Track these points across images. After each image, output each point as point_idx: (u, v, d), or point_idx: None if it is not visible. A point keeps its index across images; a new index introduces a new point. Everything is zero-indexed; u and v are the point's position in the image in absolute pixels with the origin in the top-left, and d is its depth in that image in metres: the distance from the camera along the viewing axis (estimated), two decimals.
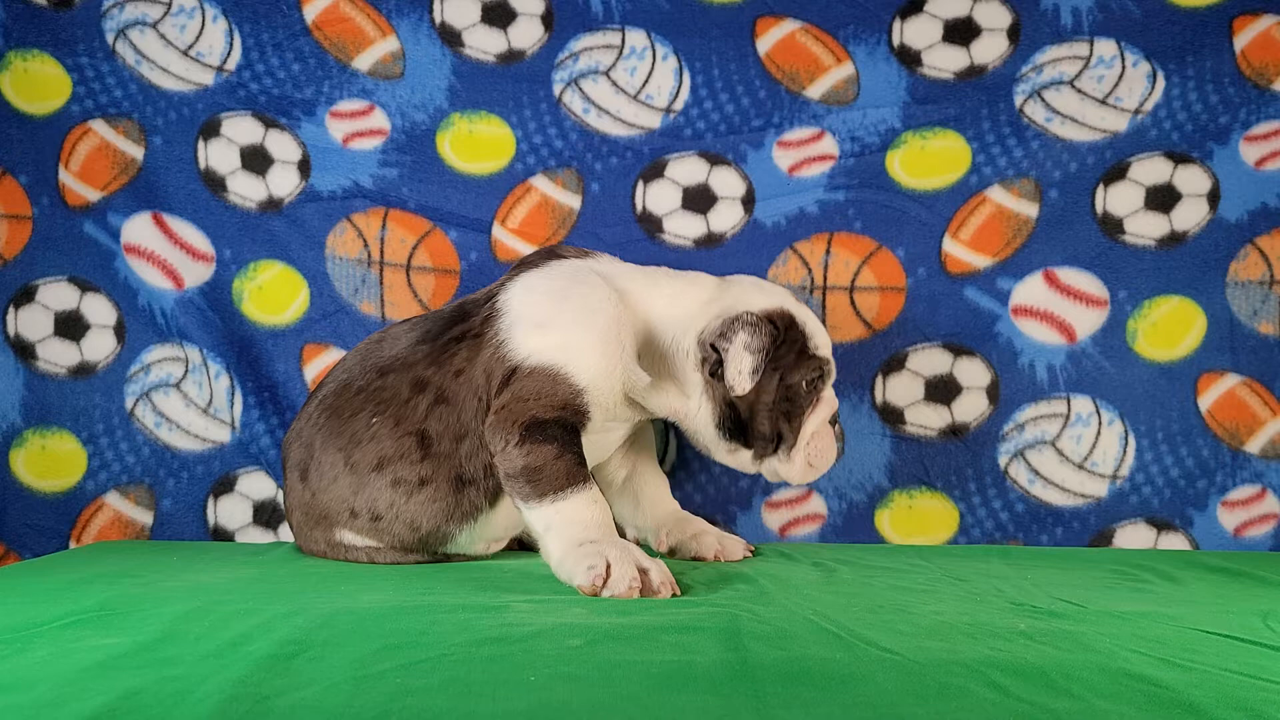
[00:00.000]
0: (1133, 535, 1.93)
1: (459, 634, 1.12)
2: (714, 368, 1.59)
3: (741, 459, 1.65)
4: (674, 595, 1.34)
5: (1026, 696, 0.94)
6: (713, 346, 1.58)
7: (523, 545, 1.74)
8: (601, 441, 1.65)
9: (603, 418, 1.58)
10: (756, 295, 1.62)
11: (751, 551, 1.74)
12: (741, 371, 1.54)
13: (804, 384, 1.61)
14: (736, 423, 1.61)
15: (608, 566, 1.35)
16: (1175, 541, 1.93)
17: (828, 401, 1.64)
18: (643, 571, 1.35)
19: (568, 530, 1.44)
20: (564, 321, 1.56)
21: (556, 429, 1.49)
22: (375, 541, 1.62)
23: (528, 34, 1.99)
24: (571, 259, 1.68)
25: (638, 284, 1.64)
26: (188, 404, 1.97)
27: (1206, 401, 1.94)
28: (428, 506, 1.57)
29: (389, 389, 1.61)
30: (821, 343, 1.64)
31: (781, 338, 1.58)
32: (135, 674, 0.96)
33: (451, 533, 1.59)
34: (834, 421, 1.67)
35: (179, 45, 1.98)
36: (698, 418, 1.63)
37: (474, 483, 1.56)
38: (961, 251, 1.96)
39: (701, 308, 1.61)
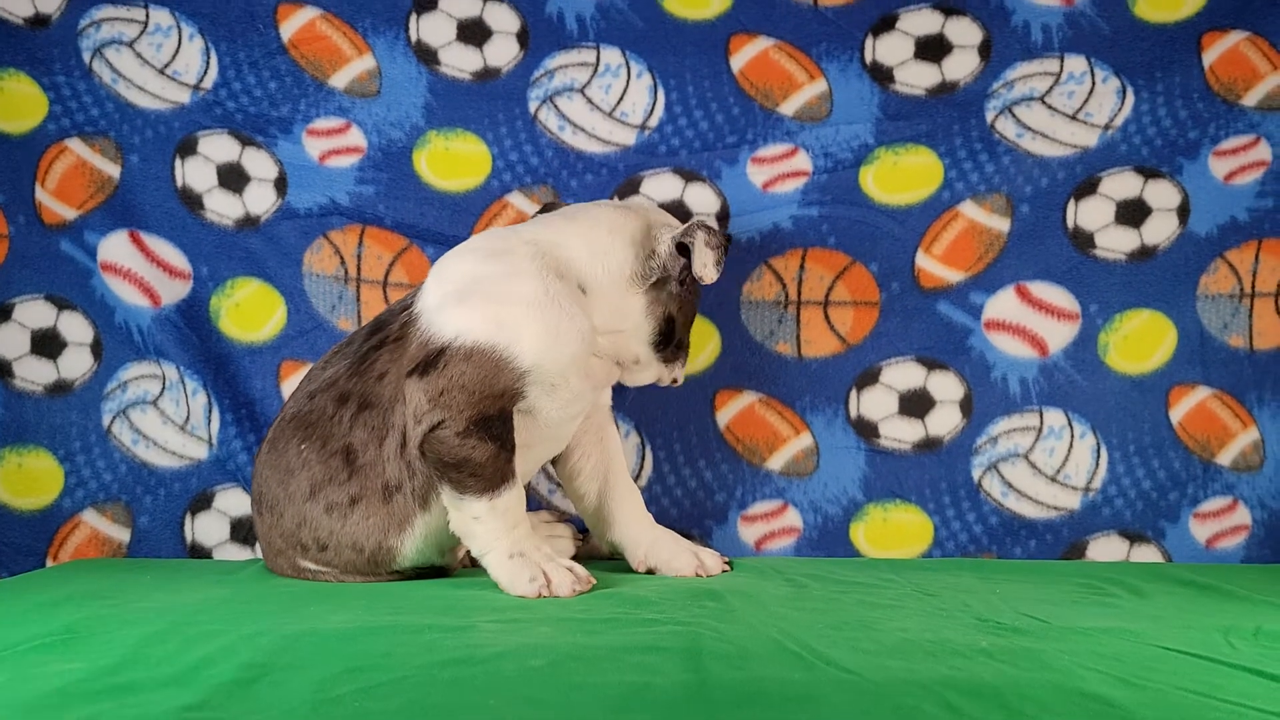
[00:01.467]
0: (1106, 547, 1.94)
1: (422, 655, 1.13)
2: (661, 275, 1.67)
3: (658, 370, 1.75)
4: (590, 585, 1.53)
5: (978, 717, 0.96)
6: (681, 247, 1.66)
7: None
8: (555, 435, 1.66)
9: (554, 402, 1.58)
10: (656, 212, 1.77)
11: (728, 565, 1.75)
12: (706, 264, 1.64)
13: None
14: (667, 336, 1.70)
15: (545, 575, 1.49)
16: (1148, 553, 1.94)
17: None
18: (569, 569, 1.53)
19: (499, 524, 1.53)
20: (490, 295, 1.55)
21: (499, 425, 1.52)
22: (331, 568, 1.63)
23: (503, 52, 2.00)
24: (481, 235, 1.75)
25: (551, 235, 1.65)
26: (165, 421, 1.98)
27: (1178, 414, 1.95)
28: (363, 524, 1.59)
29: (315, 411, 1.63)
30: (713, 266, 1.69)
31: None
32: (92, 701, 0.96)
33: (395, 546, 1.60)
34: None
35: (155, 64, 1.98)
36: (635, 340, 1.68)
37: (400, 488, 1.57)
38: (934, 266, 1.98)
39: (610, 237, 1.65)
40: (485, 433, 1.51)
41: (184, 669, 1.07)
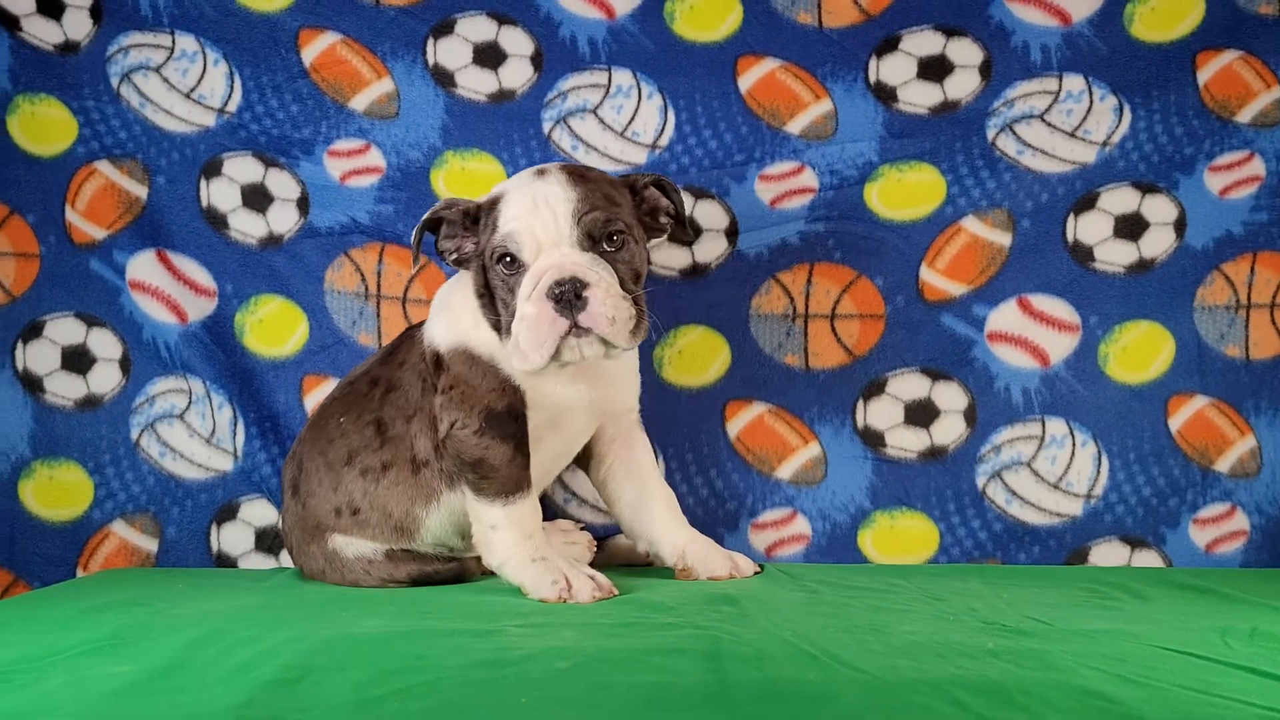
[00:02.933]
0: (1107, 553, 2.00)
1: (454, 658, 1.18)
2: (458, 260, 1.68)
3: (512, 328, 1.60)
4: (612, 595, 1.56)
5: (987, 713, 1.01)
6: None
7: None
8: (564, 420, 1.70)
9: (537, 391, 1.64)
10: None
11: (760, 569, 1.81)
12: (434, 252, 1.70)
13: (496, 267, 1.59)
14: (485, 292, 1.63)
15: (567, 580, 1.54)
16: (1149, 559, 1.99)
17: (531, 276, 1.54)
18: (590, 577, 1.56)
19: (515, 534, 1.60)
20: (452, 304, 1.70)
21: (511, 423, 1.62)
22: (361, 539, 1.71)
23: (518, 74, 2.06)
24: None
25: None
26: (191, 434, 2.04)
27: (1177, 422, 2.00)
28: (393, 490, 1.70)
29: (353, 392, 1.79)
30: (509, 216, 1.58)
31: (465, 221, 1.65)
32: (148, 701, 1.02)
33: (420, 517, 1.70)
34: (560, 295, 1.52)
35: (181, 88, 2.05)
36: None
37: (427, 464, 1.70)
38: (938, 280, 2.03)
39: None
40: (499, 431, 1.61)
41: (229, 671, 1.12)
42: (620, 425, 1.81)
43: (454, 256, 1.68)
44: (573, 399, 1.69)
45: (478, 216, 1.64)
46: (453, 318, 1.69)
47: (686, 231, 1.75)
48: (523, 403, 1.64)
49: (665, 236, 1.76)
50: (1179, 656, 1.24)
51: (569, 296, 1.51)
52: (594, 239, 1.56)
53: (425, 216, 1.67)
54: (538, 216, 1.55)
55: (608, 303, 1.52)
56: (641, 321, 1.57)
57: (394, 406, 1.72)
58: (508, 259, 1.57)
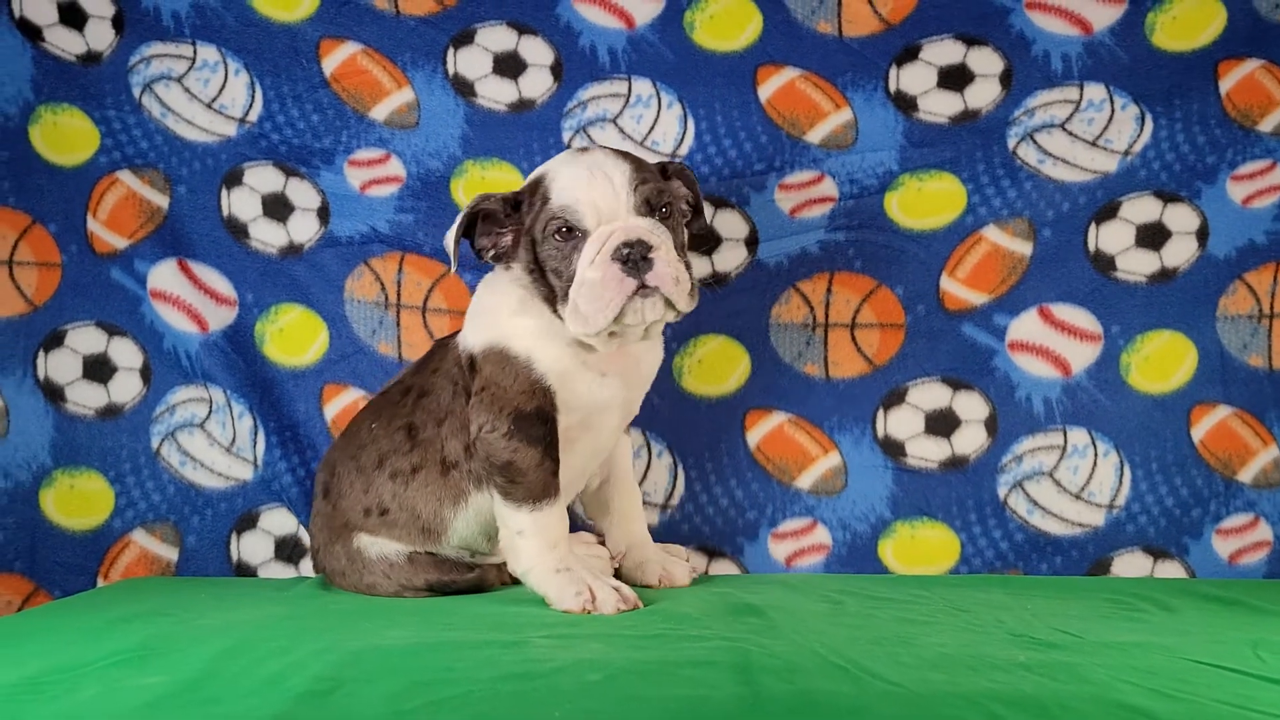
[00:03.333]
0: (1130, 563, 1.99)
1: (484, 670, 1.18)
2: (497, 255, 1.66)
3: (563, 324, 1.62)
4: (636, 608, 1.55)
5: None
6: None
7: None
8: (597, 422, 1.70)
9: (571, 391, 1.64)
10: None
11: (696, 575, 1.82)
12: (445, 246, 1.66)
13: (549, 241, 1.58)
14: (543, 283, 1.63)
15: (591, 591, 1.55)
16: (1172, 569, 1.98)
17: (595, 240, 1.56)
18: (615, 588, 1.57)
19: (540, 542, 1.61)
20: (486, 307, 1.70)
21: (540, 426, 1.62)
22: (387, 539, 1.71)
23: (538, 84, 2.06)
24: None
25: None
26: (211, 443, 2.04)
27: (1199, 432, 2.00)
28: (422, 491, 1.71)
29: (386, 400, 1.79)
30: (561, 188, 1.58)
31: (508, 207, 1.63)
32: (181, 713, 1.02)
33: (448, 518, 1.71)
34: (628, 257, 1.53)
35: (203, 98, 2.05)
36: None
37: (457, 465, 1.70)
38: (959, 289, 2.03)
39: None
40: (526, 434, 1.61)
41: (260, 682, 1.12)
42: None
43: (492, 252, 1.66)
44: (606, 399, 1.69)
45: (518, 203, 1.64)
46: (488, 318, 1.69)
47: (702, 222, 1.73)
48: (552, 405, 1.64)
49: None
50: (1212, 670, 1.23)
51: (636, 258, 1.53)
52: (651, 207, 1.59)
53: (465, 212, 1.62)
54: (595, 186, 1.57)
55: (671, 263, 1.55)
56: (695, 286, 1.60)
57: (425, 411, 1.73)
58: (564, 229, 1.58)
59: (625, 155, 1.63)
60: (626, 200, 1.57)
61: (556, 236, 1.58)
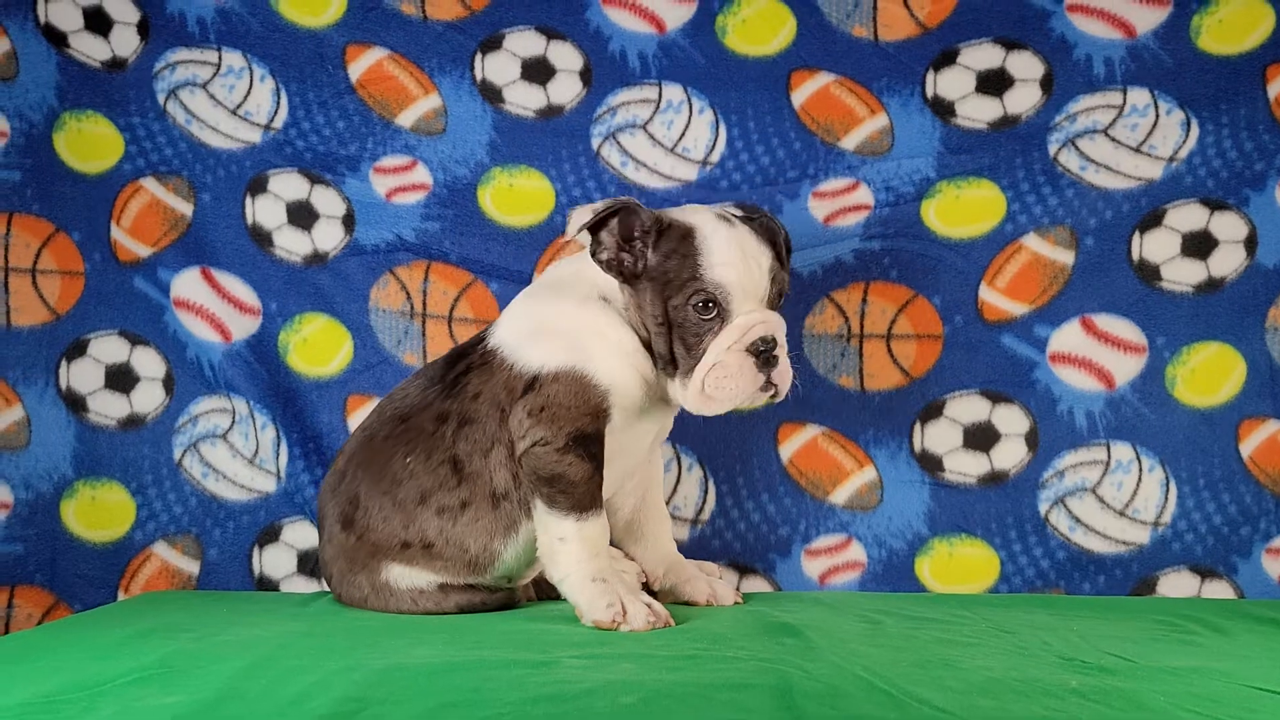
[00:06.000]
0: (1176, 583, 1.92)
1: (512, 692, 1.13)
2: (608, 261, 1.60)
3: (668, 383, 1.62)
4: (667, 625, 1.52)
5: None
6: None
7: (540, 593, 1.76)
8: (632, 444, 1.69)
9: (626, 417, 1.63)
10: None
11: (741, 599, 1.76)
12: (571, 217, 1.63)
13: (690, 307, 1.55)
14: (663, 330, 1.59)
15: (623, 606, 1.51)
16: (1219, 589, 1.91)
17: (737, 328, 1.55)
18: (648, 604, 1.53)
19: (582, 550, 1.57)
20: (560, 328, 1.63)
21: (595, 444, 1.59)
22: (426, 571, 1.65)
23: (567, 90, 2.03)
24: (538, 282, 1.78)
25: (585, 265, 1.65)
26: (234, 454, 2.01)
27: (1248, 448, 1.93)
28: (472, 526, 1.64)
29: (413, 429, 1.68)
30: (716, 262, 1.55)
31: (653, 239, 1.57)
32: None
33: (498, 550, 1.65)
34: (761, 351, 1.55)
35: (228, 105, 2.03)
36: (654, 339, 1.61)
37: (507, 496, 1.64)
38: (998, 299, 1.98)
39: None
40: (582, 450, 1.58)
41: (284, 703, 1.08)
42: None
43: (605, 256, 1.59)
44: (649, 428, 1.70)
45: (661, 232, 1.59)
46: (567, 340, 1.61)
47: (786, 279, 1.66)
48: (607, 426, 1.61)
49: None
50: (1274, 697, 1.17)
51: (769, 353, 1.56)
52: (777, 296, 1.61)
53: (611, 207, 1.55)
54: (748, 270, 1.56)
55: (786, 361, 1.58)
56: (794, 377, 1.62)
57: (469, 441, 1.64)
58: (710, 304, 1.56)
59: (762, 233, 1.61)
60: (766, 289, 1.58)
61: (699, 308, 1.56)
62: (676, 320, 1.57)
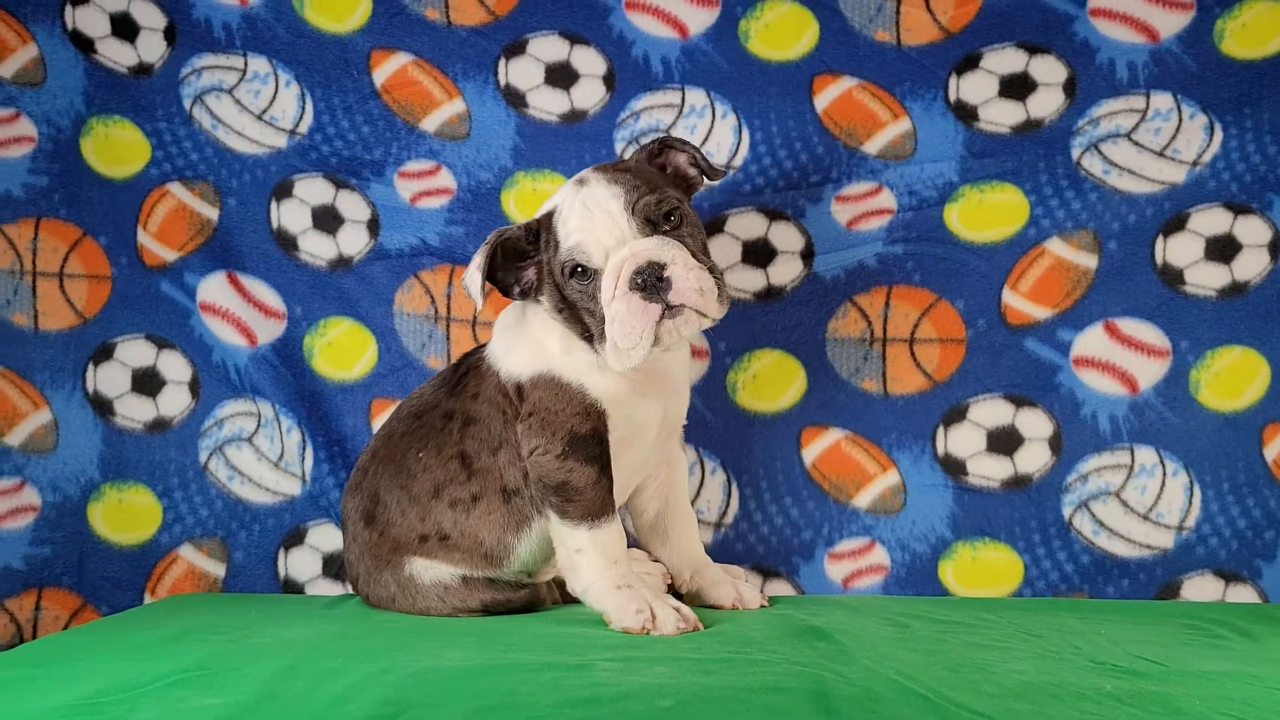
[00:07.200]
0: (1200, 587, 1.92)
1: (549, 695, 1.14)
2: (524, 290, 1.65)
3: (600, 358, 1.60)
4: (696, 629, 1.51)
5: None
6: None
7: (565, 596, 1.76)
8: (638, 432, 1.68)
9: (618, 408, 1.63)
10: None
11: (767, 602, 1.76)
12: (468, 286, 1.62)
13: (569, 283, 1.57)
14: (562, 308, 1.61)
15: (651, 611, 1.51)
16: (1244, 593, 1.91)
17: (609, 275, 1.53)
18: (676, 608, 1.52)
19: (600, 559, 1.58)
20: (528, 337, 1.67)
21: (595, 446, 1.60)
22: (445, 564, 1.67)
23: (590, 94, 2.04)
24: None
25: None
26: (260, 458, 2.02)
27: (1273, 452, 1.93)
28: (485, 519, 1.67)
29: (425, 425, 1.72)
30: (570, 230, 1.56)
31: (541, 240, 1.61)
32: None
33: (512, 544, 1.67)
34: (643, 283, 1.51)
35: (253, 110, 2.04)
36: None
37: (518, 492, 1.66)
38: (1021, 303, 1.98)
39: None
40: (582, 454, 1.58)
41: (323, 705, 1.09)
42: (671, 442, 1.80)
43: (518, 290, 1.64)
44: (649, 416, 1.68)
45: (539, 232, 1.62)
46: (534, 351, 1.66)
47: (714, 172, 1.67)
48: (605, 425, 1.62)
49: (702, 187, 1.71)
50: None
51: (652, 281, 1.51)
52: (653, 222, 1.56)
53: (486, 248, 1.59)
54: (595, 221, 1.55)
55: (690, 276, 1.51)
56: (723, 288, 1.55)
57: (476, 440, 1.68)
58: (579, 270, 1.57)
59: (617, 175, 1.59)
60: (628, 226, 1.55)
61: (574, 279, 1.57)
62: (570, 299, 1.59)
